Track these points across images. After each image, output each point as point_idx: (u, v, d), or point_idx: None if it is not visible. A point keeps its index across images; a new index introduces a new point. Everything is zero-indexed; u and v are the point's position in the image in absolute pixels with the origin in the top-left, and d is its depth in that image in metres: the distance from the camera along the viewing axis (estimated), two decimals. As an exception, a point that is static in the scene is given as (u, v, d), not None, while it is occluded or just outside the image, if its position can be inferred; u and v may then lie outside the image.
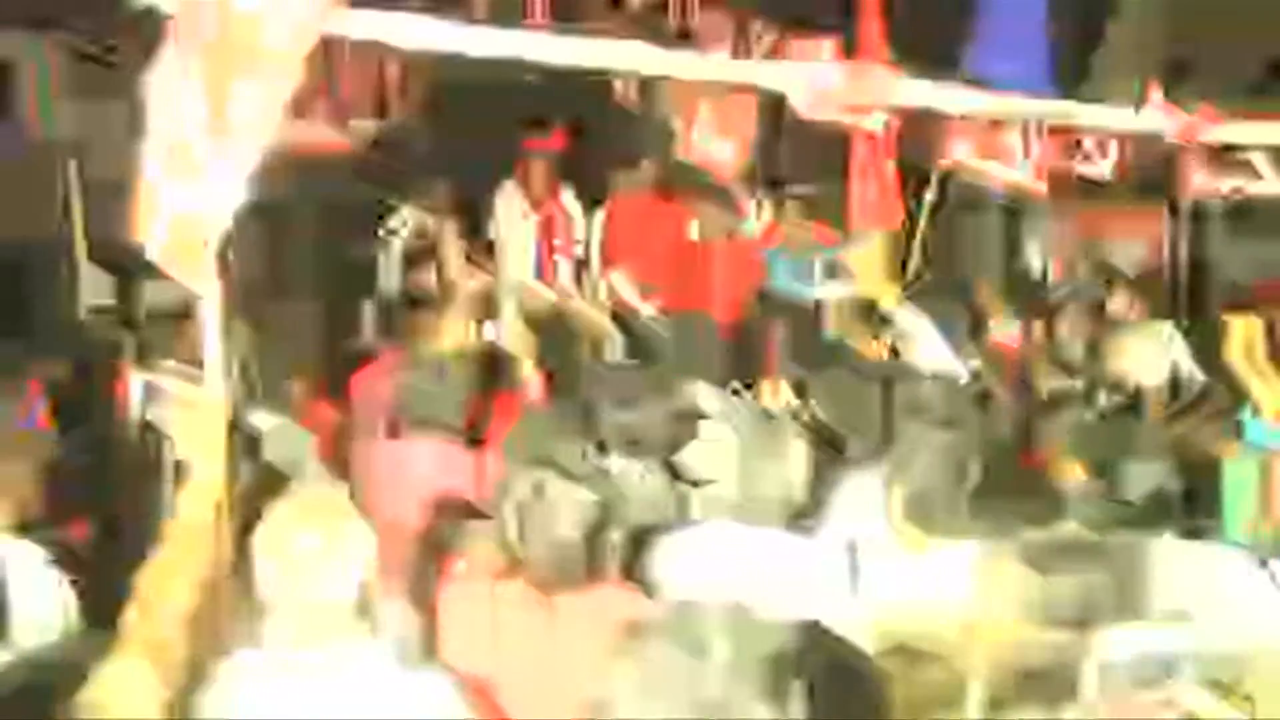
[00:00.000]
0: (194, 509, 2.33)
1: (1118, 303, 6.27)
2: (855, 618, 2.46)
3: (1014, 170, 4.21)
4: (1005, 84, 4.39)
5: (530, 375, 3.92)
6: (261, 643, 2.19)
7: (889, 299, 3.93)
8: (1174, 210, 8.30)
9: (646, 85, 5.41)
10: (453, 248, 6.64)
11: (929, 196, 5.07)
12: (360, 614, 2.13)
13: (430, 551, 3.00)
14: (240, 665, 2.13)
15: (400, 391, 3.63)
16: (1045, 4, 4.67)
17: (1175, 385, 5.43)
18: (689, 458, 3.42)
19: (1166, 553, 2.77)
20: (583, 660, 2.19)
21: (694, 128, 4.47)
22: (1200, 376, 5.71)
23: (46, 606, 2.60)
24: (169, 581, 2.21)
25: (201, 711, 2.07)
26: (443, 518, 3.20)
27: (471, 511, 3.14)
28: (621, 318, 5.50)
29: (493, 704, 2.26)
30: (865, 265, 3.91)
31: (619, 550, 2.68)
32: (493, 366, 4.11)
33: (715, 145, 4.44)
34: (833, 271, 5.94)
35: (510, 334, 4.06)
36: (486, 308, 5.02)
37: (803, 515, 2.84)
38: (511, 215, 6.95)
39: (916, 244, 5.16)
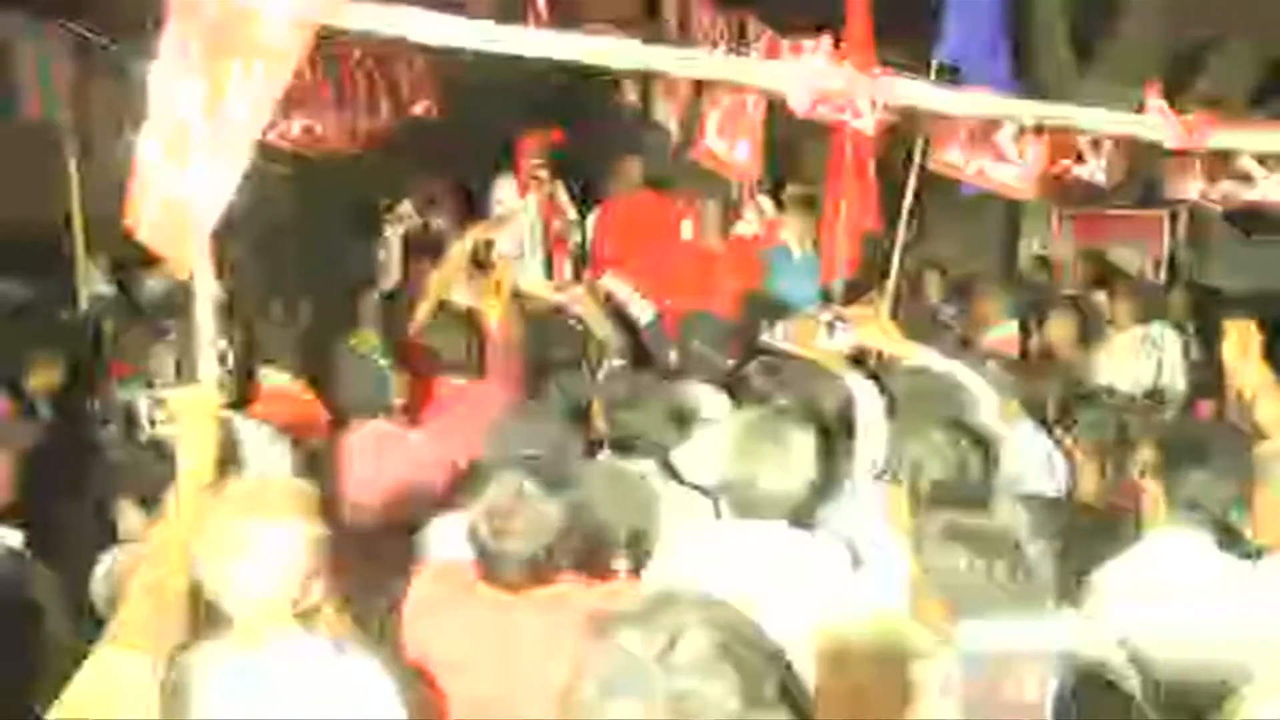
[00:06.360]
0: (184, 499, 2.33)
1: (1114, 305, 6.30)
2: (857, 613, 2.45)
3: (1009, 171, 4.19)
4: (967, 79, 4.40)
5: (496, 328, 3.95)
6: (215, 636, 2.15)
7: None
8: (1172, 215, 8.35)
9: (645, 85, 5.40)
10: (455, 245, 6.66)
11: (911, 196, 5.04)
12: (301, 608, 2.07)
13: (396, 544, 2.99)
14: (201, 658, 2.09)
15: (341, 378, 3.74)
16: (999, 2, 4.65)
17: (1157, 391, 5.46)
18: (691, 455, 3.42)
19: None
20: (545, 655, 2.19)
21: (705, 129, 4.39)
22: (1180, 384, 5.74)
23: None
24: (159, 571, 2.21)
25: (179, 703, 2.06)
26: (410, 510, 3.21)
27: (441, 504, 3.14)
28: (619, 317, 5.50)
29: (439, 698, 2.25)
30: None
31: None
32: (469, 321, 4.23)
33: (728, 146, 4.36)
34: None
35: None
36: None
37: (807, 510, 2.73)
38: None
39: (899, 246, 5.14)
